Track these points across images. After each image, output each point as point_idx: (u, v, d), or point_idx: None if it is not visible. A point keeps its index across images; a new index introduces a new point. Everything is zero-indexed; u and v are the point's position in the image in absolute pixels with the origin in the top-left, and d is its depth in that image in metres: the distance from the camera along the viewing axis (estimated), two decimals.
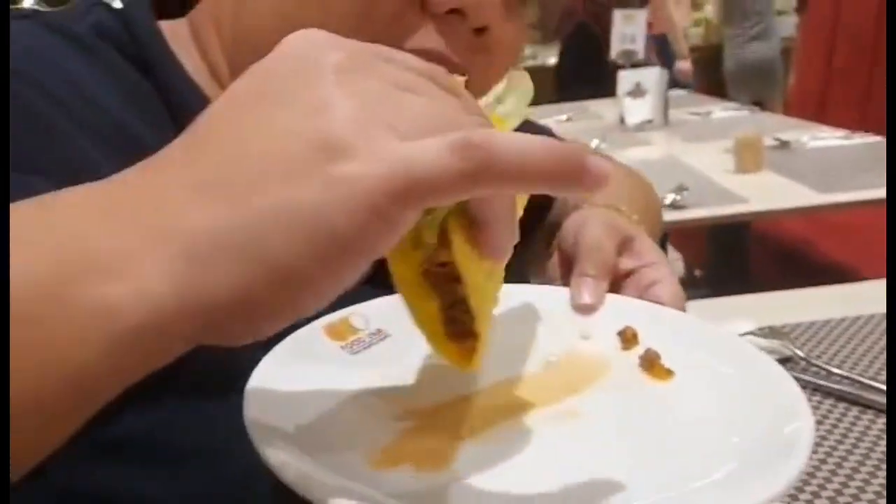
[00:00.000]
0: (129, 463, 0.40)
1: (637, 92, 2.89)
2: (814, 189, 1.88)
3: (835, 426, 0.72)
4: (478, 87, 0.43)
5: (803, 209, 1.89)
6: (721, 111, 3.27)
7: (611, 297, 0.51)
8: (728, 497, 0.33)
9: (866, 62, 3.85)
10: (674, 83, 3.84)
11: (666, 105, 2.94)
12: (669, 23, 4.56)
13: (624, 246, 0.55)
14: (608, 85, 3.07)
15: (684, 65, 4.65)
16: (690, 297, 0.56)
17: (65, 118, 0.44)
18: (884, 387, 0.74)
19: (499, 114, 0.43)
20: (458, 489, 0.35)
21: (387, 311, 0.46)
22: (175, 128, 0.48)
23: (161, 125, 0.48)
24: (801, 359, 0.82)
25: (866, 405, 0.74)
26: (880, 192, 1.76)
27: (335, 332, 0.46)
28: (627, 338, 0.48)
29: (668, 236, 2.43)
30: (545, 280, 0.59)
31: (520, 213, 0.36)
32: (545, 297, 0.53)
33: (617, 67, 3.18)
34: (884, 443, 0.68)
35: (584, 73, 4.35)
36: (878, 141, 2.31)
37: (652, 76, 2.92)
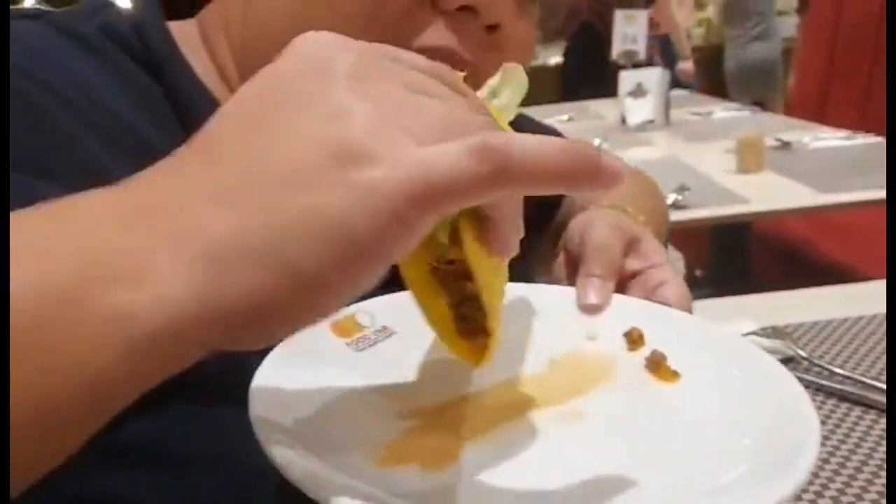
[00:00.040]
0: (135, 469, 0.40)
1: (638, 92, 2.89)
2: (815, 189, 1.88)
3: (837, 426, 0.72)
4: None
5: (805, 209, 1.89)
6: (722, 111, 3.26)
7: (617, 297, 0.51)
8: (736, 500, 0.33)
9: (867, 62, 3.84)
10: (676, 83, 3.83)
11: (667, 105, 2.94)
12: (672, 23, 4.56)
13: (630, 247, 0.55)
14: (613, 84, 3.07)
15: (686, 65, 4.64)
16: (692, 298, 0.56)
17: (71, 118, 0.44)
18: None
19: (495, 107, 0.43)
20: (463, 489, 0.35)
21: (392, 308, 0.46)
22: (183, 130, 0.48)
23: (169, 127, 0.48)
24: (804, 359, 0.82)
25: (869, 405, 0.74)
26: (882, 193, 1.76)
27: (341, 329, 0.46)
28: (633, 339, 0.48)
29: (670, 236, 2.43)
30: (551, 280, 0.59)
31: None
32: (551, 297, 0.53)
33: (618, 68, 3.18)
34: None
35: (588, 72, 4.34)
36: (880, 142, 2.31)
37: (653, 76, 2.92)
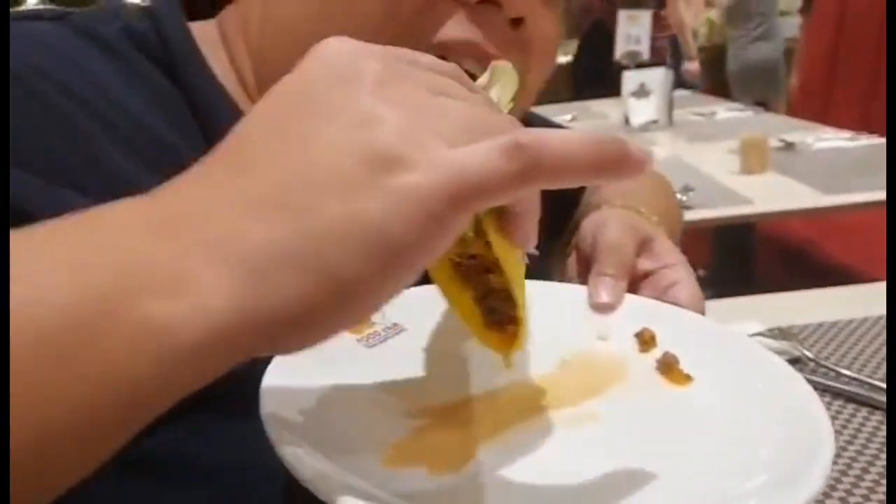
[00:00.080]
0: (155, 478, 0.40)
1: (641, 92, 2.89)
2: (819, 190, 1.88)
3: (844, 427, 0.72)
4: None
5: (808, 210, 1.89)
6: (725, 112, 3.27)
7: (629, 298, 0.50)
8: None
9: (870, 62, 3.84)
10: (681, 83, 3.83)
11: (670, 105, 2.94)
12: (678, 22, 4.55)
13: (643, 247, 0.55)
14: (620, 84, 3.06)
15: (692, 65, 4.63)
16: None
17: (88, 119, 0.44)
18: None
19: None
20: (473, 491, 0.35)
21: (404, 304, 0.46)
22: (200, 131, 0.48)
23: (187, 129, 0.48)
24: (810, 360, 0.82)
25: (875, 406, 0.75)
26: (885, 194, 1.76)
27: None
28: (645, 340, 0.48)
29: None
30: (564, 279, 0.59)
31: None
32: (563, 295, 0.52)
33: (622, 68, 3.18)
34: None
35: (600, 71, 4.31)
36: (883, 143, 2.31)
37: (657, 77, 2.92)
